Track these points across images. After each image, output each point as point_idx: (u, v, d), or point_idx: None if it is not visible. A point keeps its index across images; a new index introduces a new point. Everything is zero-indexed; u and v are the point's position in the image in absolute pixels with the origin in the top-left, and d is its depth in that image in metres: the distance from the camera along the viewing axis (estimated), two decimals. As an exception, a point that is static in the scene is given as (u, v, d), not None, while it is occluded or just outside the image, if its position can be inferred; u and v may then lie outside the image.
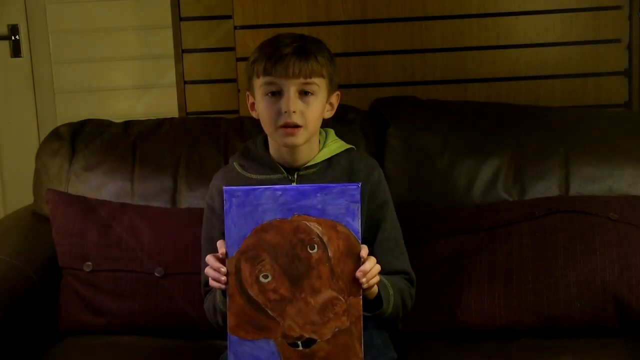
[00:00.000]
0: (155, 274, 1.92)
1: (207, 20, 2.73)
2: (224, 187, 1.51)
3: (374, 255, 1.57)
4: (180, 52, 2.73)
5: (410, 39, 2.55)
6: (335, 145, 1.77)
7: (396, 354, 1.63)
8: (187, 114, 2.75)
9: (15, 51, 2.96)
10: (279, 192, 1.50)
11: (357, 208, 1.50)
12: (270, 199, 1.50)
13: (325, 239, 1.50)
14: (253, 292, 1.49)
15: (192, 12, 2.72)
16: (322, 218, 1.50)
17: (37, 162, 2.21)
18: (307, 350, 1.48)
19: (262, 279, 1.49)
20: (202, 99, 2.76)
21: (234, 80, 2.65)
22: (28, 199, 2.30)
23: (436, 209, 1.99)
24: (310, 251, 1.49)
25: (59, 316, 1.96)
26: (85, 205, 2.02)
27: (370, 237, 1.71)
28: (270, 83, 1.65)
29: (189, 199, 2.07)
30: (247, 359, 1.49)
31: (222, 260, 1.51)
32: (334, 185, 1.51)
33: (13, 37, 2.95)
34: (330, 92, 1.70)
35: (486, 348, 1.80)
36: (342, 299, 1.49)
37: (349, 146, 1.79)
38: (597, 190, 2.02)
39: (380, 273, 1.58)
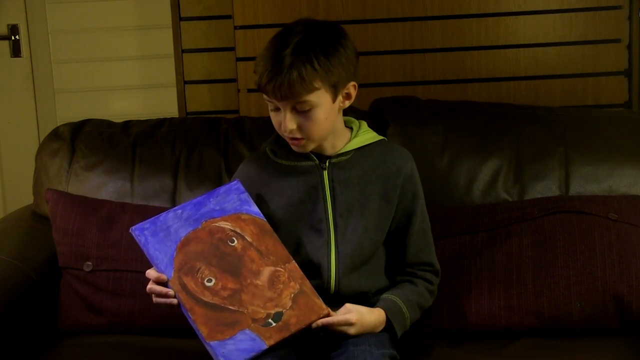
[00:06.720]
0: (156, 273, 1.91)
1: (207, 20, 2.73)
2: (132, 228, 1.61)
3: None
4: (180, 52, 2.73)
5: (410, 39, 2.55)
6: (367, 136, 1.79)
7: (396, 352, 1.63)
8: (187, 113, 2.75)
9: (15, 51, 2.96)
10: (180, 210, 1.64)
11: (247, 196, 1.68)
12: (175, 219, 1.63)
13: (238, 230, 1.63)
14: (207, 297, 1.56)
15: (192, 12, 2.72)
16: (226, 215, 1.64)
17: (37, 162, 2.22)
18: (280, 323, 1.55)
19: (207, 284, 1.57)
20: (202, 99, 2.76)
21: (234, 80, 2.65)
22: (28, 199, 2.30)
23: (436, 209, 1.98)
24: (232, 244, 1.62)
25: (58, 316, 1.96)
26: (85, 205, 2.02)
27: (400, 228, 1.77)
28: (269, 100, 1.67)
29: (189, 199, 2.05)
30: (236, 355, 1.51)
31: (164, 285, 1.58)
32: (218, 188, 1.68)
33: (13, 37, 2.94)
34: (337, 92, 1.68)
35: (486, 348, 1.80)
36: (281, 269, 1.61)
37: (381, 137, 1.82)
38: (597, 190, 2.02)
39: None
